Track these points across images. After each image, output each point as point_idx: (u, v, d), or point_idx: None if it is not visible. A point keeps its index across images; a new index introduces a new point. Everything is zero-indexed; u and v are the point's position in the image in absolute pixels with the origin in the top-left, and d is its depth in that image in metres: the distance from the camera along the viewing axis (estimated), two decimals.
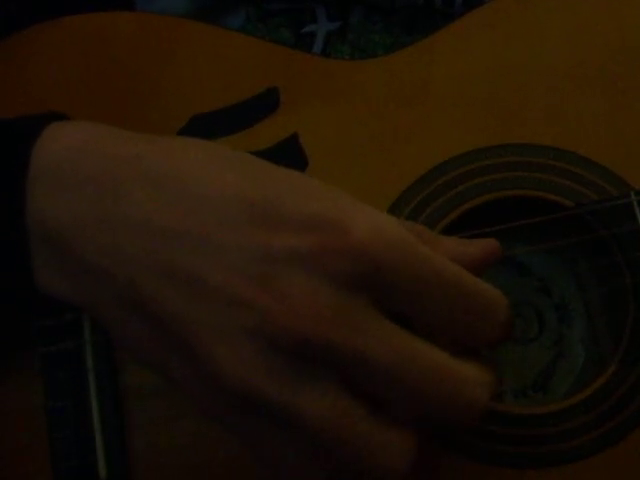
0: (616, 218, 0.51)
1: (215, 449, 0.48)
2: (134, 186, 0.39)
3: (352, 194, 0.51)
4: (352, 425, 0.37)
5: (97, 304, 0.41)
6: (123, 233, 0.39)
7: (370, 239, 0.37)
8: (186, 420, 0.49)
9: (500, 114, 0.53)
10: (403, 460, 0.38)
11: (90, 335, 0.50)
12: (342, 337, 0.36)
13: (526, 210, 0.52)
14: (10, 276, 0.43)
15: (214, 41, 0.56)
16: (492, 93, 0.53)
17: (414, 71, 0.54)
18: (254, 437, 0.39)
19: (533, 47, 0.54)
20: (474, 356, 0.40)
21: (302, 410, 0.37)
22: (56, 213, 0.41)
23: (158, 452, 0.49)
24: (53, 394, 0.49)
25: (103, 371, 0.50)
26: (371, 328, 0.37)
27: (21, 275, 0.42)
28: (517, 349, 0.55)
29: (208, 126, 0.54)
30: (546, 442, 0.48)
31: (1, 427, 0.50)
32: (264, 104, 0.54)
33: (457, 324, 0.39)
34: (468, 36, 0.55)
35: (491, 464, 0.48)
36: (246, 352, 0.37)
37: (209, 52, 0.56)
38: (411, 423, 0.39)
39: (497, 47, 0.54)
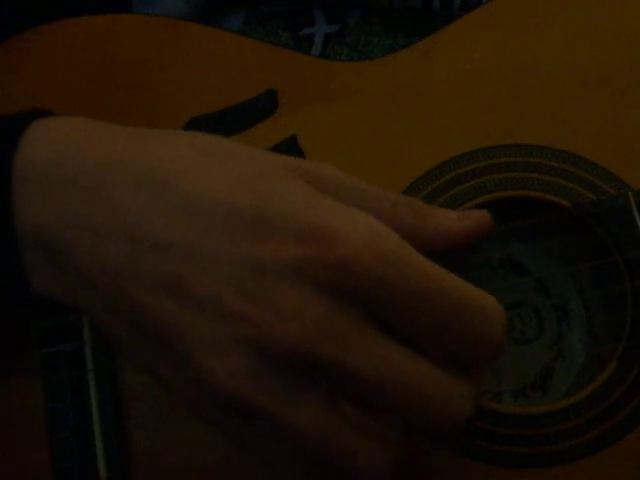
0: (614, 218, 0.51)
1: (214, 449, 0.48)
2: (119, 191, 0.39)
3: None
4: (336, 432, 0.37)
5: (90, 308, 0.40)
6: (109, 240, 0.38)
7: (361, 251, 0.36)
8: (186, 420, 0.49)
9: (499, 114, 0.53)
10: (385, 464, 0.38)
11: (90, 336, 0.50)
12: (328, 350, 0.36)
13: (525, 210, 0.52)
14: (4, 278, 0.43)
15: (212, 43, 0.56)
16: (491, 93, 0.54)
17: (413, 72, 0.54)
18: (248, 441, 0.39)
19: (532, 47, 0.54)
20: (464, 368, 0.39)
21: (289, 417, 0.37)
22: (43, 219, 0.40)
23: (158, 452, 0.49)
24: (53, 395, 0.49)
25: (103, 372, 0.50)
26: (359, 341, 0.37)
27: (15, 277, 0.42)
28: (516, 349, 0.55)
29: (206, 128, 0.54)
30: (546, 442, 0.48)
31: (1, 427, 0.50)
32: (263, 106, 0.54)
33: (451, 342, 0.38)
34: (467, 37, 0.55)
35: (491, 464, 0.48)
36: (236, 362, 0.36)
37: (208, 54, 0.56)
38: (399, 429, 0.38)
39: (496, 48, 0.55)
